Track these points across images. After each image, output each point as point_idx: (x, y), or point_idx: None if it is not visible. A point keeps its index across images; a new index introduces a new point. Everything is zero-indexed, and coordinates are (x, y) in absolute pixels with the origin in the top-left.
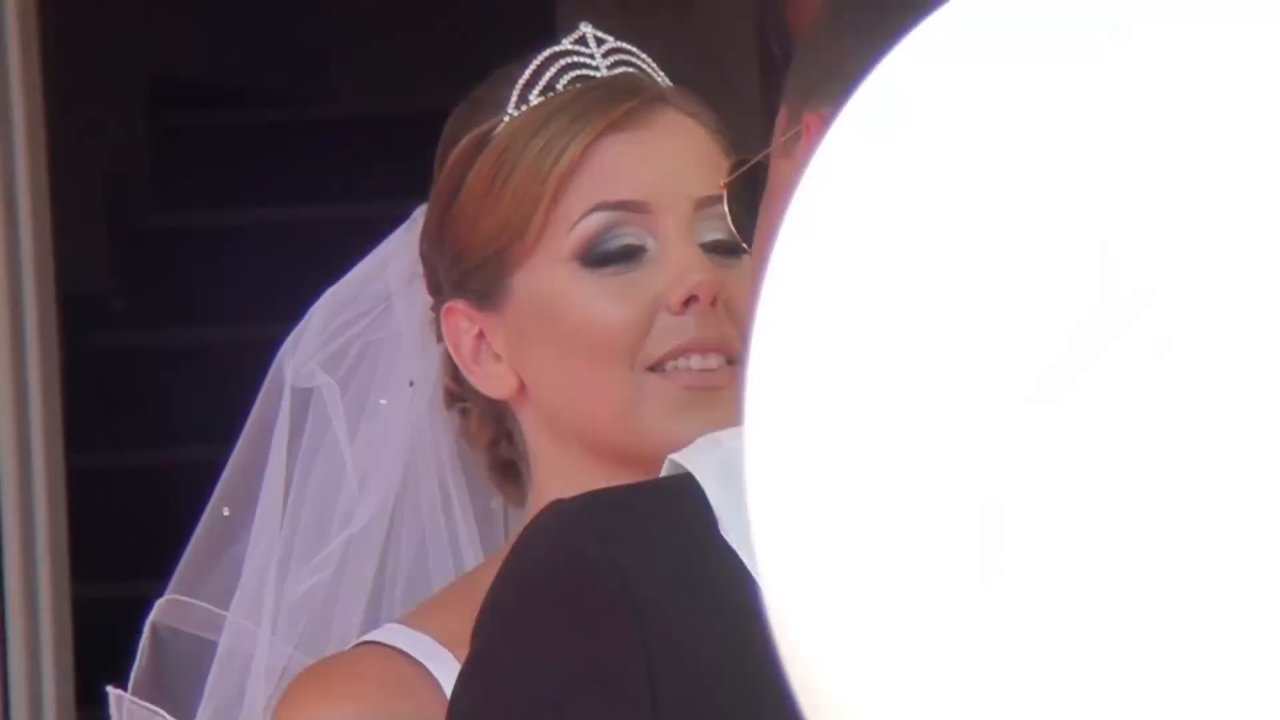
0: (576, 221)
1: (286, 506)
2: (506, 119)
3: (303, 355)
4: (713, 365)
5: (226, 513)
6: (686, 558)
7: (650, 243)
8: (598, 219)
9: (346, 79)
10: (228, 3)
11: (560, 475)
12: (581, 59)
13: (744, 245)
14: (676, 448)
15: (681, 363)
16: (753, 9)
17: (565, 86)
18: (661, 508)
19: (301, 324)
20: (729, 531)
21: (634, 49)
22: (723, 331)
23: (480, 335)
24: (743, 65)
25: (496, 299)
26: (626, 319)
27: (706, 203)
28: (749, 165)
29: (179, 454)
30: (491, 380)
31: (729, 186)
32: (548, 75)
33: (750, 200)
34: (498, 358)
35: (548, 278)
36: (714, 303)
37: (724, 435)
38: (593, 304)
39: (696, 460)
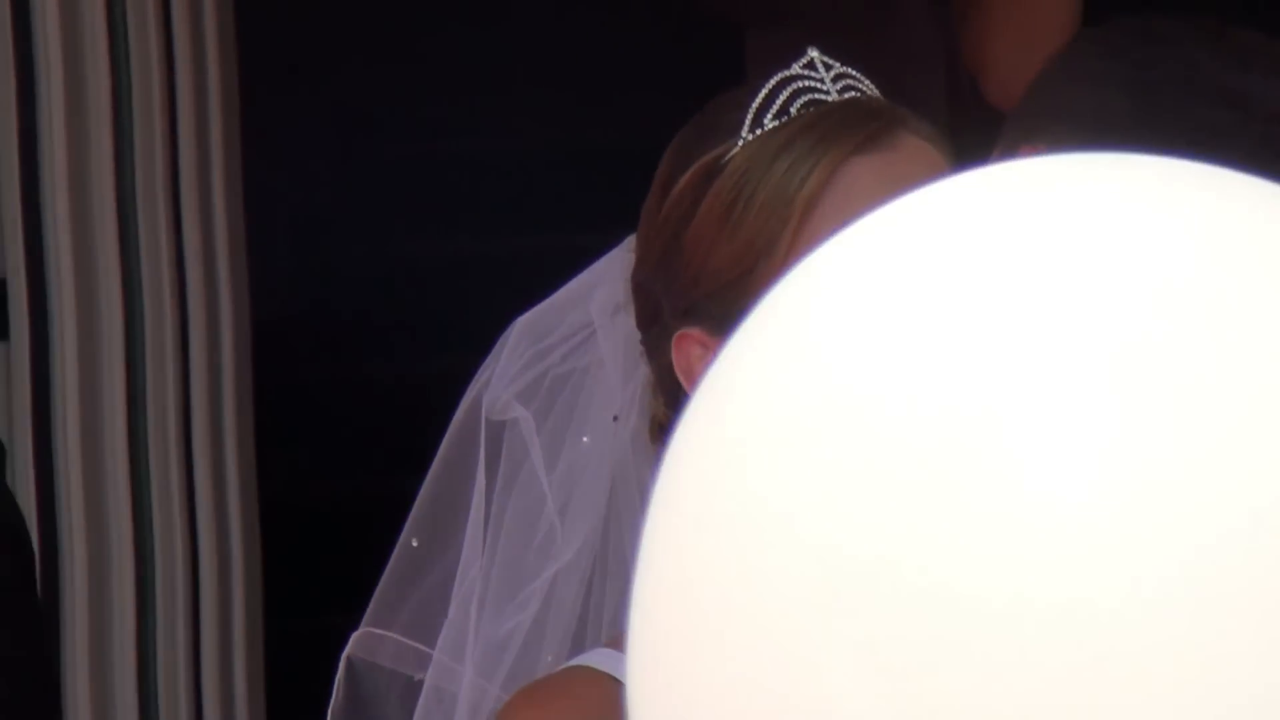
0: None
1: (484, 544)
2: (741, 143)
3: (498, 386)
4: None
5: (415, 544)
6: None
7: None
8: None
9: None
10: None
11: None
12: (812, 83)
13: None
14: None
15: None
16: (941, 37)
17: (798, 110)
18: None
19: (493, 354)
20: None
21: (859, 74)
22: None
23: None
24: (929, 94)
25: (736, 323)
26: None
27: None
28: None
29: (369, 484)
30: None
31: None
32: (780, 99)
33: None
34: None
35: None
36: None
37: None
38: None
39: None
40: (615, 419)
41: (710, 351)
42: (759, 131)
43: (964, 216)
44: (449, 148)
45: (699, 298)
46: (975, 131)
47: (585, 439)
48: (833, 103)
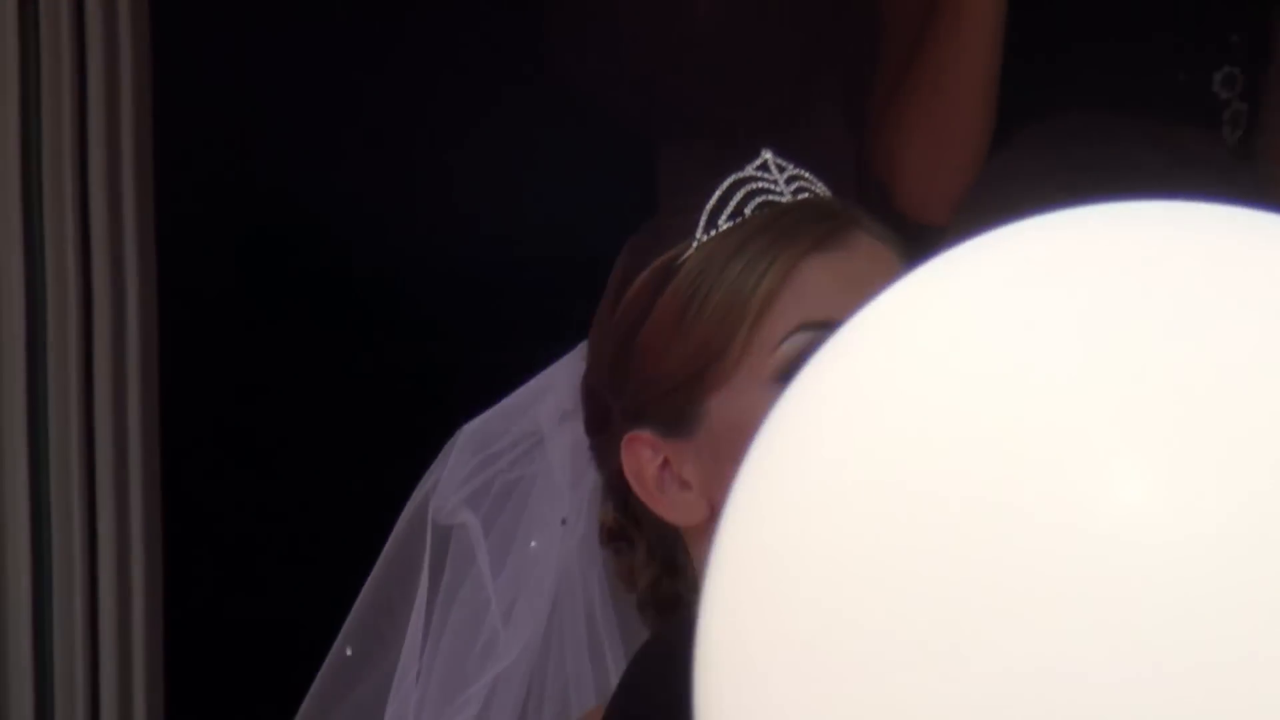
0: (780, 342)
1: (423, 650)
2: (695, 245)
3: (445, 492)
4: None
5: (349, 652)
6: None
7: None
8: (802, 338)
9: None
10: None
11: None
12: (765, 184)
13: None
14: None
15: None
16: (851, 146)
17: (752, 212)
18: None
19: (439, 459)
20: None
21: (811, 176)
22: None
23: (665, 464)
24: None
25: (687, 425)
26: None
27: None
28: None
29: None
30: (680, 509)
31: None
32: (735, 200)
33: None
34: (685, 485)
35: (749, 399)
36: None
37: None
38: None
39: None
40: (564, 522)
41: (660, 455)
42: (713, 233)
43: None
44: (366, 265)
45: (650, 400)
46: None
47: (533, 544)
48: (787, 203)
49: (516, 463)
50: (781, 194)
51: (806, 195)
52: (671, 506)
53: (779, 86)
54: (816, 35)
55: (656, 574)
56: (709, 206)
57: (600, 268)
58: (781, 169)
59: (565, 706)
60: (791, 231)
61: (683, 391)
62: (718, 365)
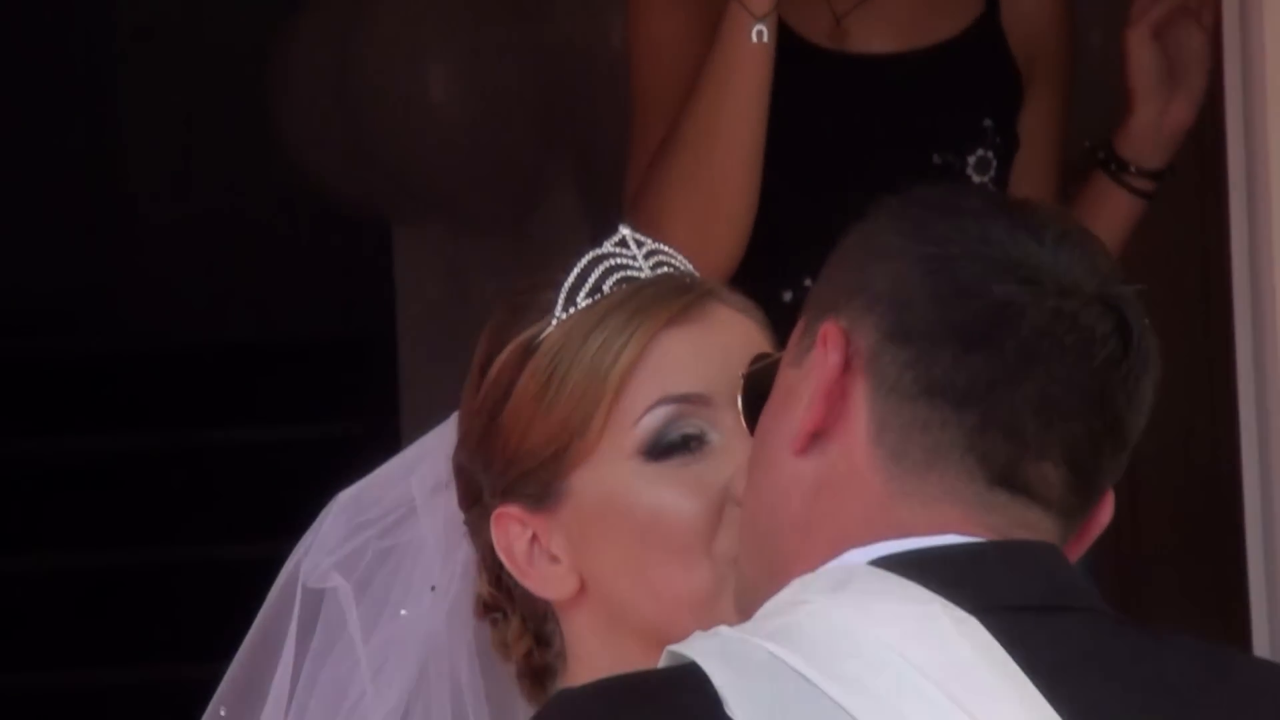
0: (640, 417)
1: (290, 709)
2: (555, 323)
3: (317, 556)
4: None
5: (223, 713)
6: None
7: (713, 435)
8: (661, 413)
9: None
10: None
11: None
12: (624, 260)
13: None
14: None
15: None
16: (590, 230)
17: (611, 288)
18: (668, 693)
19: (315, 525)
20: (735, 712)
21: (670, 250)
22: None
23: (534, 539)
24: None
25: (553, 500)
26: (697, 510)
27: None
28: (765, 364)
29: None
30: (550, 583)
31: (745, 381)
32: (593, 277)
33: (762, 399)
34: (555, 559)
35: (611, 474)
36: None
37: (721, 628)
38: (663, 496)
39: (697, 647)
40: (433, 589)
41: (529, 530)
42: (572, 310)
43: None
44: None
45: (516, 477)
46: None
47: (404, 612)
48: (644, 279)
49: (390, 531)
50: (640, 269)
51: (666, 269)
52: (541, 581)
53: (517, 169)
54: (555, 120)
55: (529, 645)
56: (568, 284)
57: (336, 347)
58: (640, 244)
59: None
60: (648, 306)
61: (548, 468)
62: (579, 442)
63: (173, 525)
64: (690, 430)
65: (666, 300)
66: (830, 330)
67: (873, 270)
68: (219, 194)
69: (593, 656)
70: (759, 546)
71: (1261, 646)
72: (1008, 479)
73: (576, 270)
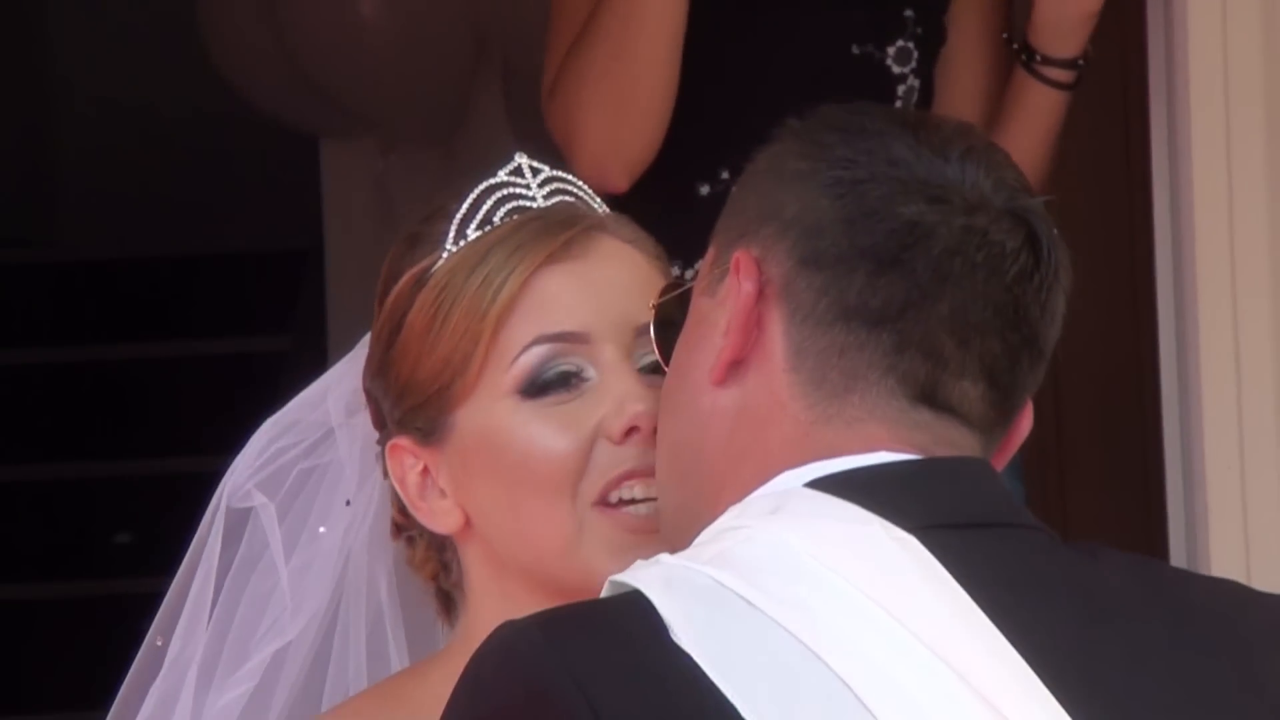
0: (517, 356)
1: (211, 620)
2: (445, 255)
3: (239, 477)
4: (655, 494)
5: (160, 643)
6: (643, 667)
7: (591, 371)
8: (537, 352)
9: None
10: None
11: (496, 610)
12: (518, 190)
13: (664, 367)
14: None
15: (626, 492)
16: (513, 144)
17: (502, 219)
18: (612, 622)
19: (244, 449)
20: (681, 637)
21: (569, 176)
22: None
23: (425, 471)
24: None
25: (440, 435)
26: (567, 448)
27: (646, 329)
28: (677, 292)
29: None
30: (438, 516)
31: (656, 310)
32: (485, 208)
33: (675, 326)
34: (443, 493)
35: (490, 412)
36: (656, 432)
37: (661, 556)
38: (534, 435)
39: (640, 576)
40: (348, 503)
41: (420, 462)
42: (462, 243)
43: None
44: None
45: (408, 409)
46: None
47: (322, 529)
48: (530, 212)
49: (310, 452)
50: (534, 199)
51: (562, 198)
52: (430, 514)
53: (444, 84)
54: (481, 35)
55: (436, 569)
56: (459, 215)
57: (264, 262)
58: (535, 172)
59: (344, 689)
60: (529, 243)
61: (434, 403)
62: (462, 379)
63: (97, 440)
64: (567, 368)
65: (548, 236)
66: (743, 258)
67: (781, 196)
68: (147, 109)
69: (484, 589)
70: (682, 476)
71: (1178, 546)
72: (929, 397)
73: (468, 201)
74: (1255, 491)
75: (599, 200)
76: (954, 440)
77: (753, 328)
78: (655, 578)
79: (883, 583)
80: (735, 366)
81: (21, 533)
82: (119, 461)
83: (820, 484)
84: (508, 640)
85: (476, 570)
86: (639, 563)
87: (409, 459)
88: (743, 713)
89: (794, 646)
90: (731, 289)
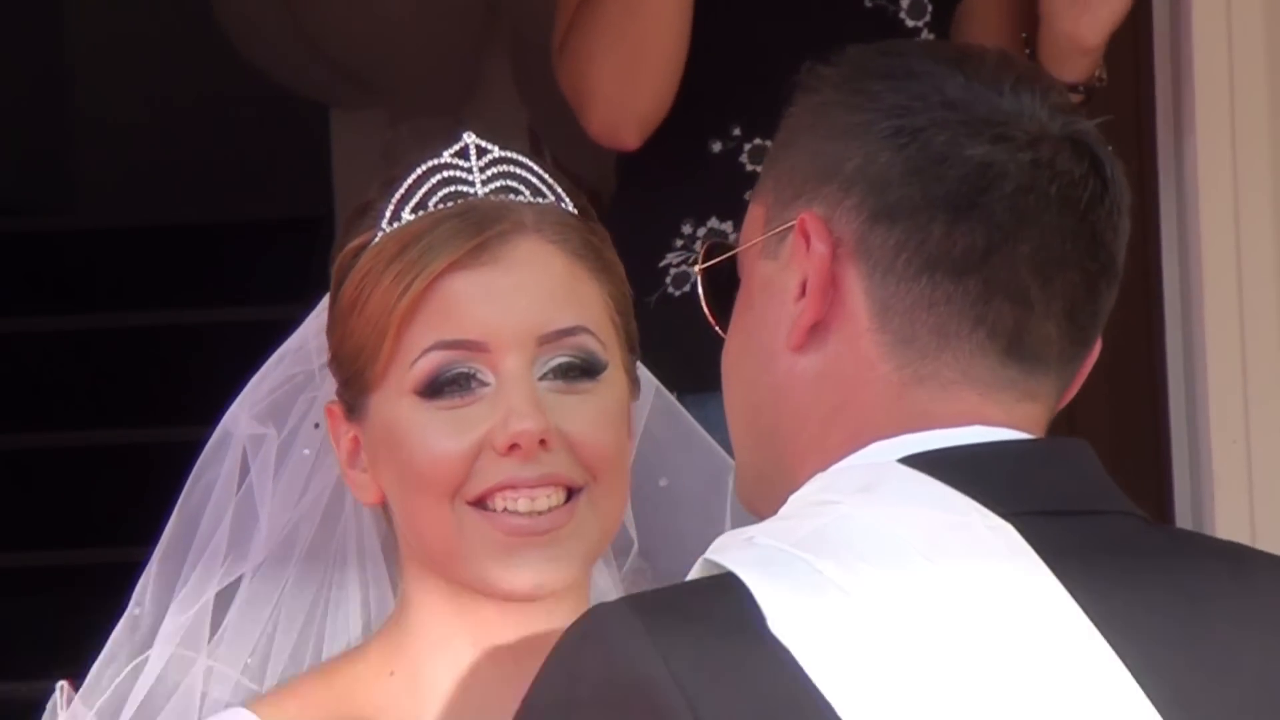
0: (416, 358)
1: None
2: (379, 236)
3: (239, 409)
4: (542, 507)
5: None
6: (741, 660)
7: (489, 377)
8: (435, 357)
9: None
10: None
11: (417, 590)
12: (459, 174)
13: (719, 332)
14: (512, 593)
15: (509, 503)
16: (524, 120)
17: (437, 204)
18: (711, 610)
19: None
20: (779, 629)
21: (520, 157)
22: (554, 469)
23: (355, 440)
24: None
25: (360, 414)
26: (452, 453)
27: (553, 337)
28: (723, 258)
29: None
30: (359, 487)
31: (704, 274)
32: (422, 191)
33: (726, 291)
34: (364, 469)
35: (392, 405)
36: (544, 444)
37: (752, 532)
38: (425, 435)
39: (736, 558)
40: (316, 426)
41: (350, 431)
42: (397, 225)
43: None
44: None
45: (339, 380)
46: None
47: (306, 451)
48: (453, 208)
49: (304, 387)
50: (473, 184)
51: (504, 184)
52: (354, 483)
53: (455, 55)
54: (490, 1)
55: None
56: (397, 195)
57: (275, 230)
58: (482, 153)
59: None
60: (440, 245)
61: (356, 382)
62: (372, 368)
63: (116, 408)
64: (464, 371)
65: (460, 238)
66: (809, 219)
67: (837, 152)
68: (161, 78)
69: (409, 552)
70: (758, 440)
71: (1183, 519)
72: (1015, 347)
73: (408, 182)
74: (1260, 464)
75: (551, 185)
76: (1034, 392)
77: (829, 289)
78: (752, 561)
79: (978, 575)
80: (815, 330)
81: (39, 499)
82: (133, 429)
83: (915, 461)
84: (607, 624)
85: (401, 544)
86: (733, 541)
87: (342, 425)
88: (840, 712)
89: (890, 645)
90: (797, 250)
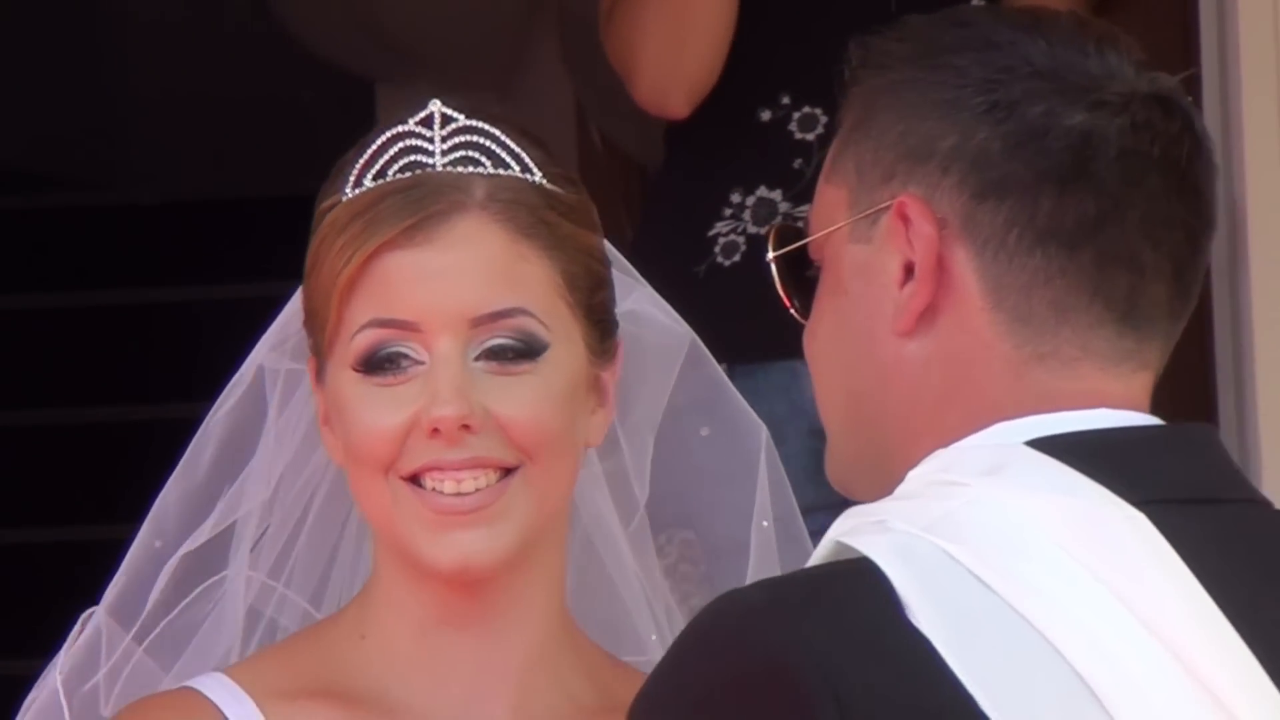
0: (355, 333)
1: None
2: (342, 200)
3: (265, 348)
4: (469, 489)
5: (159, 544)
6: (882, 649)
7: (425, 357)
8: (370, 335)
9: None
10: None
11: (383, 558)
12: (421, 142)
13: (800, 319)
14: (439, 570)
15: (437, 484)
16: (571, 95)
17: (396, 174)
18: (850, 598)
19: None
20: (917, 617)
21: (485, 126)
22: (481, 452)
23: (324, 400)
24: (562, 146)
25: (323, 378)
26: (384, 429)
27: (487, 319)
28: (799, 244)
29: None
30: (329, 448)
31: (778, 262)
32: (384, 159)
33: (804, 274)
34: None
35: (339, 378)
36: (469, 428)
37: (881, 514)
38: (361, 410)
39: (869, 542)
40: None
41: (318, 391)
42: (358, 191)
43: None
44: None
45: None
46: (603, 179)
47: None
48: (402, 180)
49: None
50: (432, 154)
51: (464, 153)
52: (326, 442)
53: (501, 28)
54: None
55: None
56: (361, 161)
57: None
58: (447, 121)
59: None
60: (380, 222)
61: (315, 346)
62: (323, 337)
63: (162, 382)
64: (398, 350)
65: (401, 214)
66: (909, 202)
67: (928, 132)
68: (206, 53)
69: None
70: (858, 427)
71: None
72: (1130, 315)
73: (371, 149)
74: None
75: (518, 154)
76: (1147, 360)
77: (938, 270)
78: (887, 547)
79: (1112, 566)
80: (924, 313)
81: (84, 473)
82: (182, 404)
83: (1042, 444)
84: (744, 610)
85: None
86: (864, 523)
87: (317, 384)
88: (983, 707)
89: (1029, 634)
90: (894, 233)
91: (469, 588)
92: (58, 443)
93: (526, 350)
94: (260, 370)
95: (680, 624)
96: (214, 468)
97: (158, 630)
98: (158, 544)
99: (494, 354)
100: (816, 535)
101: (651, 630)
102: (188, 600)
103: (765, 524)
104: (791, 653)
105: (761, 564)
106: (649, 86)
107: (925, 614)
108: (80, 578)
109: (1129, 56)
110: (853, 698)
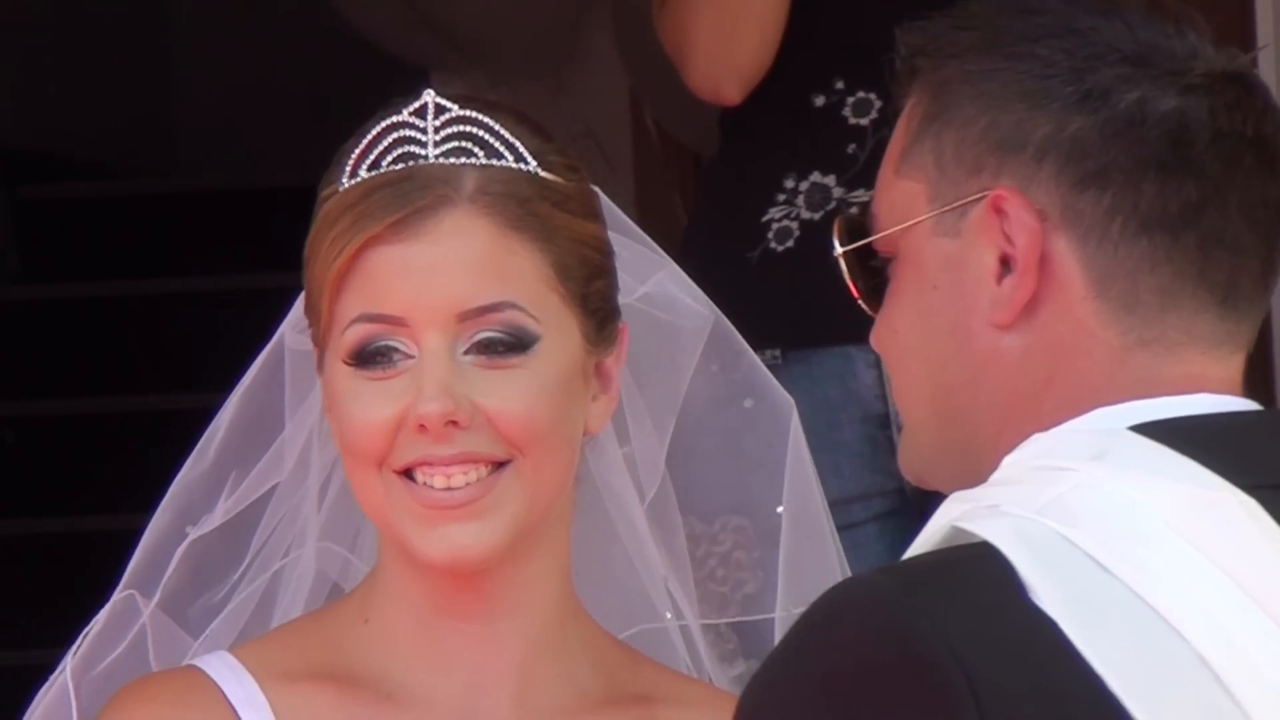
0: (347, 326)
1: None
2: (339, 190)
3: (284, 327)
4: (458, 484)
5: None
6: (1010, 634)
7: (414, 351)
8: (360, 329)
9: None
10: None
11: (385, 543)
12: (414, 133)
13: (870, 313)
14: (431, 563)
15: (427, 479)
16: (626, 85)
17: (389, 165)
18: (974, 583)
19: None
20: (1043, 600)
21: (479, 116)
22: (470, 447)
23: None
24: (616, 136)
25: (320, 366)
26: (375, 423)
27: (474, 314)
28: (868, 240)
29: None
30: (335, 435)
31: (847, 258)
32: (379, 149)
33: (870, 268)
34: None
35: (333, 369)
36: (456, 424)
37: (993, 498)
38: (352, 404)
39: (988, 526)
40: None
41: (320, 379)
42: (353, 182)
43: None
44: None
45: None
46: (658, 168)
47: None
48: (394, 173)
49: None
50: (425, 145)
51: (457, 144)
52: (333, 430)
53: (555, 17)
54: None
55: None
56: (355, 152)
57: None
58: (441, 111)
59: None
60: (368, 217)
61: (314, 336)
62: (318, 328)
63: (219, 370)
64: (388, 344)
65: (388, 209)
66: (1007, 195)
67: (1017, 123)
68: (261, 41)
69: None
70: (947, 420)
71: None
72: (1230, 298)
73: (366, 139)
74: None
75: (512, 144)
76: (1243, 342)
77: (1039, 262)
78: (1006, 530)
79: (1228, 551)
80: (1026, 305)
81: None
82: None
83: (1146, 429)
84: (871, 596)
85: None
86: (977, 508)
87: (317, 373)
88: (1113, 687)
89: (1151, 617)
90: (986, 226)
91: (465, 580)
92: (135, 430)
93: (516, 344)
94: (281, 342)
95: (697, 609)
96: (241, 443)
97: (222, 610)
98: (188, 529)
99: (483, 348)
100: (870, 522)
101: (667, 609)
102: (268, 575)
103: (779, 509)
104: (924, 640)
105: (796, 548)
106: (702, 74)
107: (1049, 597)
108: (96, 567)
109: (1205, 36)
110: (984, 684)
